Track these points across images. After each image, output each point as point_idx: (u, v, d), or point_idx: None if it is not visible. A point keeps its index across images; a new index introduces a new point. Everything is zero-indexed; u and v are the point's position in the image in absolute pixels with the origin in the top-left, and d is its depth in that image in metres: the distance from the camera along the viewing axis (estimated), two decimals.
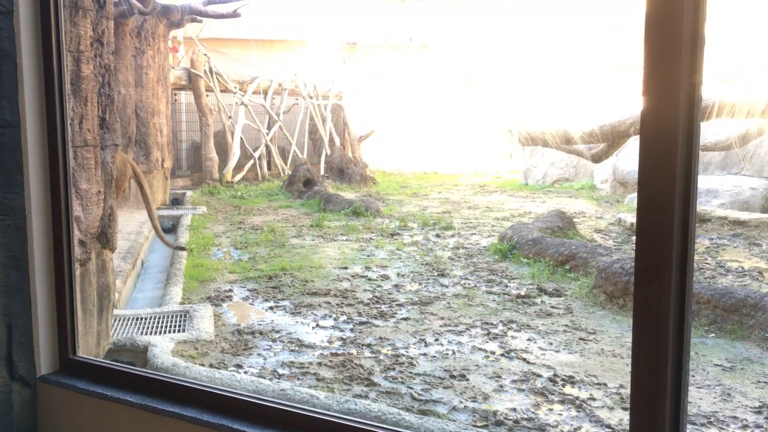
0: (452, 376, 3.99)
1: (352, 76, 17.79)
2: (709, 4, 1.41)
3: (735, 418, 3.51)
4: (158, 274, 7.01)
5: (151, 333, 4.30)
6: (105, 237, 3.36)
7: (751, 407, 3.64)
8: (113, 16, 3.77)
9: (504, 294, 5.94)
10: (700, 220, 9.01)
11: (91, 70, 3.09)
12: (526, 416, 3.46)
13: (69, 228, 2.78)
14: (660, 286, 1.57)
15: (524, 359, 4.33)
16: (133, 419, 2.45)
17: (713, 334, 4.84)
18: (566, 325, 5.08)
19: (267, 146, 15.80)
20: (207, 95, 14.83)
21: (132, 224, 8.56)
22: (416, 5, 19.49)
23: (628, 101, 10.66)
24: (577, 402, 3.66)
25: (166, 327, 4.48)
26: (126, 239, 7.31)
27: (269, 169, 16.00)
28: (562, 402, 3.66)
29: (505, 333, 4.87)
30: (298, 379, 3.91)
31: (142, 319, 4.56)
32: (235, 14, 12.51)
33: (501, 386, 3.87)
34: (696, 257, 7.07)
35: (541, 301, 5.73)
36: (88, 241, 3.13)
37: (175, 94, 15.85)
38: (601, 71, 15.44)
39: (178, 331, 4.38)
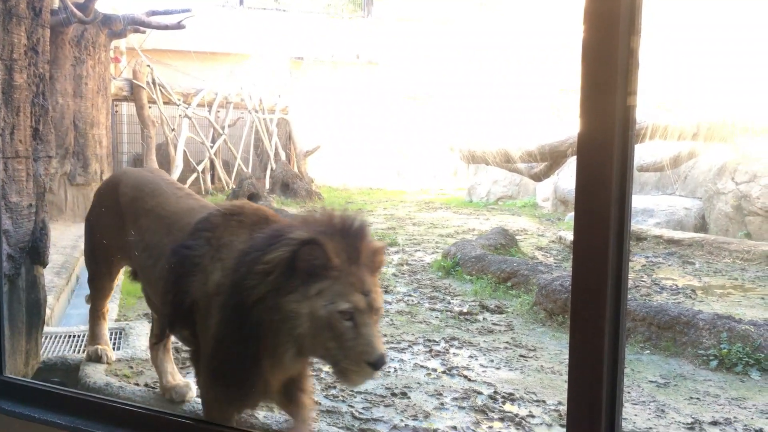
0: (393, 394, 3.97)
1: (299, 91, 17.74)
2: (644, 32, 1.46)
3: None
4: None
5: (84, 351, 4.16)
6: (36, 251, 3.24)
7: (683, 423, 3.74)
8: (51, 24, 3.67)
9: (447, 311, 5.97)
10: (636, 239, 9.27)
11: (24, 79, 2.99)
12: None
13: None
14: (596, 303, 1.59)
15: (465, 376, 4.35)
16: None
17: (648, 351, 4.96)
18: (507, 342, 5.14)
19: (211, 159, 15.58)
20: (150, 107, 14.55)
21: (67, 238, 8.30)
22: (363, 23, 19.61)
23: (569, 122, 10.93)
24: (517, 419, 3.69)
25: None
26: (60, 253, 7.08)
27: (213, 182, 15.77)
28: (501, 419, 3.69)
29: (447, 350, 4.89)
30: None
31: (74, 336, 4.41)
32: (179, 26, 12.35)
33: (442, 404, 3.87)
34: (632, 275, 7.26)
35: (483, 318, 5.78)
36: (17, 255, 3.02)
37: (116, 105, 15.50)
38: (544, 93, 15.81)
39: (113, 348, 4.24)
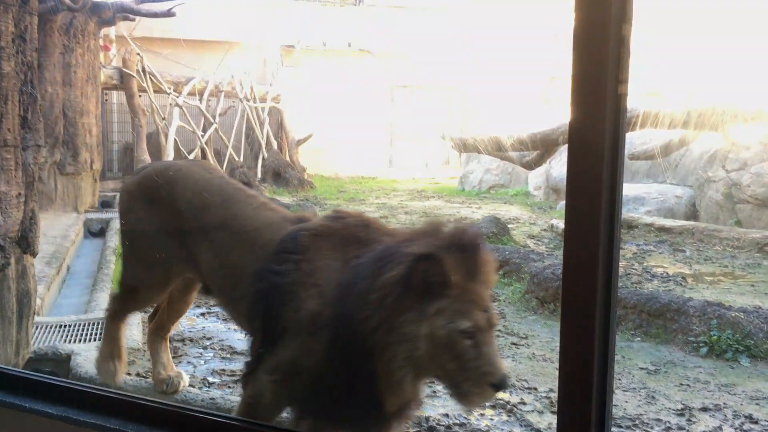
0: None
1: (291, 79, 17.67)
2: (636, 21, 1.45)
3: (659, 420, 3.62)
4: (85, 279, 6.78)
5: (75, 341, 4.15)
6: (26, 241, 3.22)
7: (673, 409, 3.77)
8: (39, 12, 3.62)
9: None
10: (627, 227, 9.30)
11: (12, 68, 2.96)
12: (458, 422, 3.49)
13: None
14: (587, 291, 1.60)
15: None
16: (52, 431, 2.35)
17: (639, 338, 4.99)
18: (499, 330, 5.15)
19: (202, 148, 15.50)
20: (140, 95, 14.45)
21: (58, 227, 8.26)
22: (355, 11, 19.53)
23: (561, 111, 10.94)
24: (508, 406, 3.71)
25: (91, 334, 4.33)
26: (51, 243, 7.04)
27: None
28: (493, 407, 3.71)
29: None
30: (229, 387, 3.83)
31: (65, 326, 4.39)
32: (169, 13, 12.25)
33: (434, 392, 3.88)
34: (623, 263, 7.29)
35: None
36: (6, 245, 3.00)
37: (106, 94, 15.39)
38: (535, 81, 15.81)
39: (98, 339, 4.23)
